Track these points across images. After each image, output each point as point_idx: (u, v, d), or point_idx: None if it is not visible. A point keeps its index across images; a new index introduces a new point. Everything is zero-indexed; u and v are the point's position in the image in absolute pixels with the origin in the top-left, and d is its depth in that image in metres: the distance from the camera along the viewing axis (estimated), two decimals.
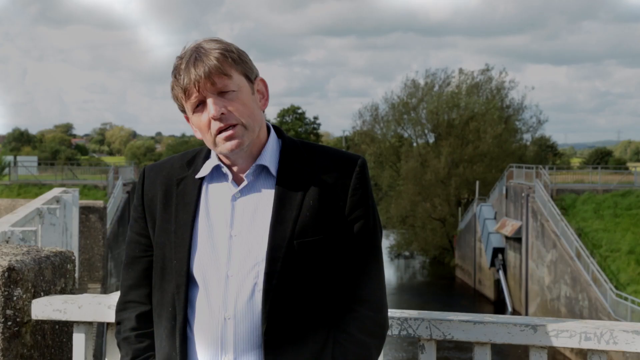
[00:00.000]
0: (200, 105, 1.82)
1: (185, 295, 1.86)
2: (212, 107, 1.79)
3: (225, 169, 1.89)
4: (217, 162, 1.90)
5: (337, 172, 1.88)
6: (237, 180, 1.90)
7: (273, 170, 1.88)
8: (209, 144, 1.86)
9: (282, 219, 1.83)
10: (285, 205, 1.84)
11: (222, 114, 1.80)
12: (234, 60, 1.82)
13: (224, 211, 1.87)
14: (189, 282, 1.86)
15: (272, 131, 1.95)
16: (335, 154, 1.92)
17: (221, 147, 1.83)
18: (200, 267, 1.86)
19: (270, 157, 1.89)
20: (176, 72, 1.83)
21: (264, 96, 1.90)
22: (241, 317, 1.82)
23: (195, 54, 1.80)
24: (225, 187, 1.89)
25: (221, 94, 1.80)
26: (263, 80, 1.90)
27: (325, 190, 1.86)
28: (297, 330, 1.83)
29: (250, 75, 1.86)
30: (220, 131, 1.81)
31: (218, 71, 1.79)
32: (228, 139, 1.81)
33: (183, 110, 1.90)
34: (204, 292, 1.85)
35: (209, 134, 1.83)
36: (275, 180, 1.87)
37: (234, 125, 1.81)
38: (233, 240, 1.85)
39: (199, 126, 1.84)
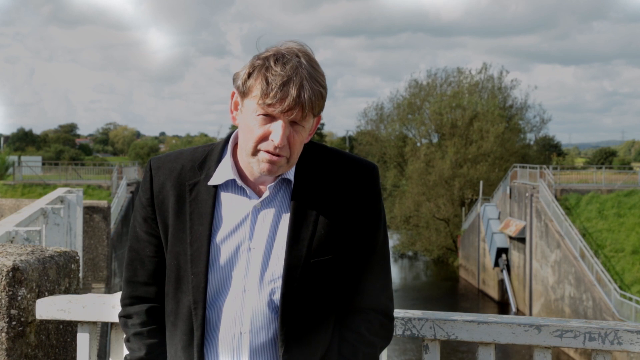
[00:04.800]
0: (268, 117, 1.76)
1: (203, 312, 1.84)
2: (280, 134, 1.74)
3: (241, 183, 1.86)
4: (232, 175, 1.86)
5: (351, 180, 1.87)
6: (256, 191, 1.87)
7: (292, 183, 1.87)
8: (246, 148, 1.81)
9: (299, 237, 1.82)
10: (302, 223, 1.83)
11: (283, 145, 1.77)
12: (324, 100, 1.80)
13: (243, 222, 1.85)
14: (207, 298, 1.84)
15: None
16: (349, 161, 1.91)
17: (257, 164, 1.79)
18: (219, 280, 1.84)
19: (292, 170, 1.87)
20: (270, 74, 1.73)
21: (311, 132, 1.87)
22: (256, 332, 1.82)
23: (300, 76, 1.73)
24: (242, 198, 1.87)
25: (293, 123, 1.77)
26: (320, 118, 1.87)
27: (339, 201, 1.86)
28: (310, 345, 1.85)
29: (319, 114, 1.84)
30: (267, 150, 1.77)
31: (310, 108, 1.75)
32: (269, 162, 1.77)
33: (242, 94, 1.81)
34: (221, 305, 1.84)
35: (254, 143, 1.78)
36: (291, 194, 1.86)
37: (280, 156, 1.78)
38: (252, 253, 1.83)
39: (250, 129, 1.78)
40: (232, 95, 1.86)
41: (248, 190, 1.86)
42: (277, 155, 1.78)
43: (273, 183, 1.85)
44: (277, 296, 1.82)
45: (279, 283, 1.82)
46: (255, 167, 1.81)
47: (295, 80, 1.72)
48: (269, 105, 1.73)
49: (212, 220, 1.85)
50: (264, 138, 1.77)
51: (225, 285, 1.84)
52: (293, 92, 1.72)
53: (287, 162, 1.80)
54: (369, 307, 1.91)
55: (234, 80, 1.83)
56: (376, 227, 1.90)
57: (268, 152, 1.77)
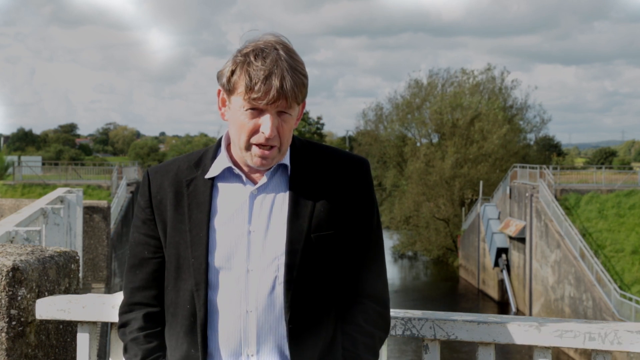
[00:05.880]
0: (256, 110, 1.82)
1: (205, 292, 1.88)
2: (269, 126, 1.81)
3: (237, 171, 1.92)
4: (228, 164, 1.92)
5: (344, 173, 1.94)
6: (251, 179, 1.93)
7: (288, 169, 1.93)
8: (239, 143, 1.87)
9: (298, 215, 1.88)
10: (300, 203, 1.89)
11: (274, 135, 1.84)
12: (306, 88, 1.86)
13: (241, 208, 1.90)
14: (208, 279, 1.89)
15: None
16: (341, 155, 1.98)
17: (251, 158, 1.86)
18: (219, 263, 1.89)
19: (287, 156, 1.94)
20: (252, 70, 1.80)
21: (298, 118, 1.92)
22: (263, 310, 1.87)
23: (281, 68, 1.79)
24: (239, 186, 1.92)
25: (280, 112, 1.83)
26: (304, 104, 1.93)
27: (333, 189, 1.92)
28: (315, 320, 1.89)
29: (303, 100, 1.89)
30: (259, 144, 1.84)
31: (294, 97, 1.82)
32: (262, 156, 1.85)
33: (227, 91, 1.87)
34: (224, 287, 1.88)
35: (246, 137, 1.84)
36: (288, 179, 1.92)
37: (272, 146, 1.85)
38: (252, 235, 1.89)
39: (241, 125, 1.84)
40: (219, 93, 1.92)
41: (244, 178, 1.92)
42: (270, 148, 1.85)
43: (271, 169, 1.91)
44: (281, 271, 1.87)
45: (282, 259, 1.87)
46: (249, 160, 1.87)
47: (277, 73, 1.79)
48: (255, 99, 1.80)
49: (210, 208, 1.91)
50: (255, 131, 1.84)
51: (227, 267, 1.88)
52: (276, 83, 1.79)
53: (278, 151, 1.87)
54: (364, 294, 1.95)
55: (218, 78, 1.89)
56: (370, 212, 1.96)
57: (260, 145, 1.84)
